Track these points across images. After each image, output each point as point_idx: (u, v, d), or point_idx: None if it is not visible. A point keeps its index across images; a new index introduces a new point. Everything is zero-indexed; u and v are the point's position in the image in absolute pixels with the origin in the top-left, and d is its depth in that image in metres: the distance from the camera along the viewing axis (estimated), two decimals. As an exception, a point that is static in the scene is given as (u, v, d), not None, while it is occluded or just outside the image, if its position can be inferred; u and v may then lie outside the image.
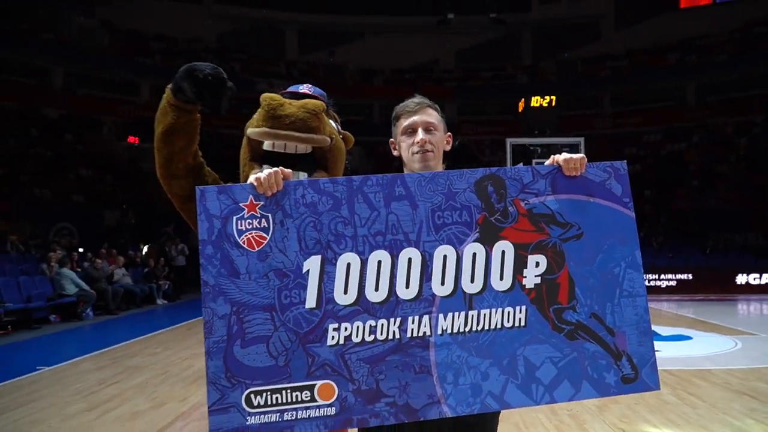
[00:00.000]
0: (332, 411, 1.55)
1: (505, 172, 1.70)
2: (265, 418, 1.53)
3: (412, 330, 1.60)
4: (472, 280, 1.63)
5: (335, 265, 1.60)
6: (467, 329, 1.62)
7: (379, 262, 1.61)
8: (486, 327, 1.62)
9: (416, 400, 1.57)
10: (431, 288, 1.62)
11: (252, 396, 1.53)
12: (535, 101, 12.99)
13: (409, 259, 1.62)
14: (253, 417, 1.53)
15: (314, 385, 1.56)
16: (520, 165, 1.73)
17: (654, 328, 6.54)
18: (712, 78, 23.95)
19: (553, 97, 12.89)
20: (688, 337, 8.07)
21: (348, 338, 1.58)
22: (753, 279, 14.47)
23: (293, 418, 1.54)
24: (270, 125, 1.77)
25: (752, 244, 18.12)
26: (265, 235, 1.59)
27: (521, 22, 26.78)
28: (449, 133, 1.95)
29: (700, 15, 24.72)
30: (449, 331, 1.61)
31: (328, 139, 1.83)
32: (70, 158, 18.93)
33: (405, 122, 1.89)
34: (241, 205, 1.60)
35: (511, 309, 1.64)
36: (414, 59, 27.15)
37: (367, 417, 1.56)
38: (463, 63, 27.66)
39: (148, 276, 13.36)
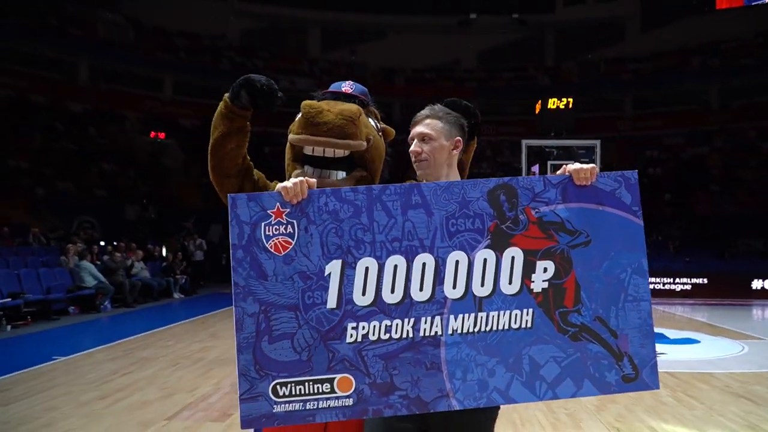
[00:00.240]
0: (350, 402, 1.69)
1: (518, 182, 1.79)
2: (289, 407, 1.69)
3: (425, 330, 1.72)
4: (483, 284, 1.74)
5: (355, 268, 1.72)
6: (476, 330, 1.73)
7: (395, 267, 1.73)
8: (494, 328, 1.74)
9: (427, 393, 1.70)
10: (443, 291, 1.73)
11: (278, 387, 1.68)
12: (552, 103, 12.96)
13: (423, 264, 1.73)
14: (279, 405, 1.68)
15: (334, 378, 1.70)
16: (533, 175, 1.82)
17: (663, 331, 6.64)
18: (737, 82, 23.56)
19: (570, 99, 12.85)
20: (696, 341, 8.05)
21: (365, 336, 1.71)
22: (768, 285, 14.29)
23: (315, 407, 1.69)
24: (309, 132, 1.90)
25: (771, 251, 17.82)
26: (290, 240, 1.73)
27: (544, 23, 26.62)
28: (458, 138, 2.02)
29: (726, 18, 24.27)
30: (459, 331, 1.72)
31: (364, 144, 1.94)
32: (93, 152, 19.36)
33: (411, 133, 2.02)
34: (269, 212, 1.73)
35: (518, 311, 1.75)
36: (435, 59, 27.14)
37: (382, 408, 1.70)
38: (484, 63, 27.57)
39: (165, 270, 13.64)
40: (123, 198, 17.96)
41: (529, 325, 1.75)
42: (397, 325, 1.71)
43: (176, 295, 13.37)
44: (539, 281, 1.76)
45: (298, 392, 1.68)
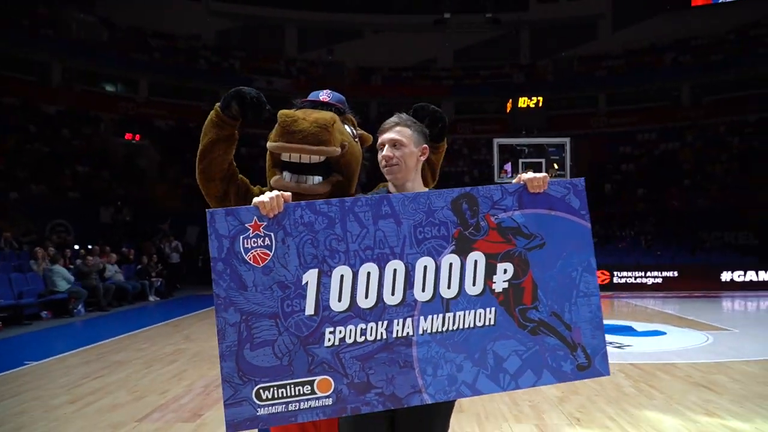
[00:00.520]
0: (329, 401, 1.80)
1: (478, 191, 1.93)
2: (272, 409, 1.78)
3: (397, 331, 1.84)
4: (449, 287, 1.87)
5: (330, 276, 1.83)
6: (444, 329, 1.86)
7: (368, 273, 1.84)
8: (461, 326, 1.87)
9: (401, 390, 1.82)
10: (413, 294, 1.85)
11: (261, 391, 1.78)
12: (523, 102, 13.18)
13: (394, 270, 1.85)
14: (262, 409, 1.77)
15: (314, 380, 1.80)
16: (490, 185, 1.95)
17: (631, 323, 6.86)
18: (708, 78, 24.07)
19: (540, 98, 13.06)
20: (663, 333, 8.27)
21: (342, 340, 1.82)
22: (738, 276, 14.64)
23: (297, 408, 1.79)
24: (285, 140, 2.01)
25: (742, 243, 18.29)
26: (268, 252, 1.81)
27: (519, 22, 26.90)
28: (424, 146, 2.14)
29: (697, 16, 24.81)
30: (429, 330, 1.85)
31: (338, 149, 2.04)
32: (66, 154, 19.13)
33: (379, 139, 2.12)
34: (246, 225, 1.81)
35: (482, 310, 1.88)
36: (412, 57, 27.27)
37: (360, 406, 1.81)
38: (461, 62, 27.77)
39: (140, 273, 13.56)
40: (97, 200, 17.77)
41: (492, 322, 1.88)
42: (371, 327, 1.83)
43: (152, 298, 13.30)
44: (500, 282, 1.90)
45: (280, 395, 1.78)
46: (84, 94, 22.33)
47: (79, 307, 10.60)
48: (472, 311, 1.87)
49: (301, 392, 1.79)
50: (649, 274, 15.08)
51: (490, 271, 1.89)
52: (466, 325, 1.87)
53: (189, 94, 24.86)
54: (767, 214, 18.20)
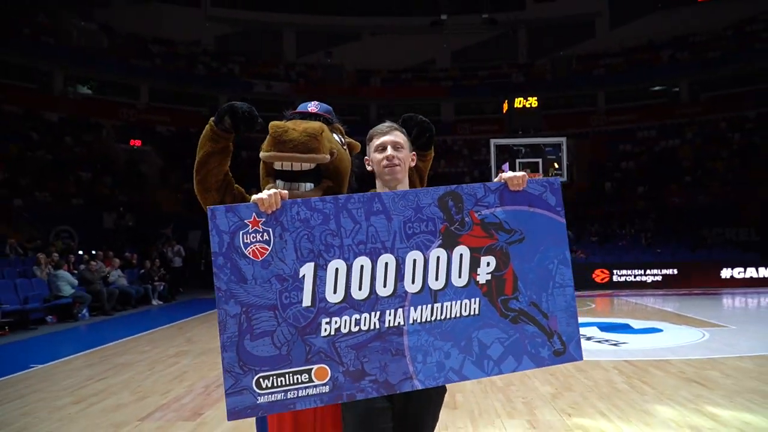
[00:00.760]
0: (326, 389, 1.90)
1: (462, 189, 2.06)
2: (272, 398, 1.87)
3: (389, 321, 1.94)
4: (437, 279, 1.99)
5: (326, 270, 1.93)
6: (433, 318, 1.97)
7: (362, 267, 1.94)
8: (448, 316, 1.99)
9: (393, 376, 1.93)
10: (404, 286, 1.97)
11: (261, 380, 1.87)
12: (519, 102, 13.29)
13: (386, 263, 1.96)
14: (262, 397, 1.87)
15: (311, 368, 1.89)
16: (474, 183, 2.08)
17: (628, 321, 6.99)
18: (706, 74, 24.13)
19: (535, 98, 13.18)
20: (659, 330, 8.34)
21: (338, 330, 1.92)
22: (738, 273, 14.68)
23: (295, 396, 1.88)
24: (277, 149, 2.13)
25: (743, 240, 18.32)
26: (267, 246, 1.91)
27: (516, 21, 27.01)
28: (413, 153, 2.31)
29: (693, 12, 24.88)
30: (419, 320, 1.96)
31: (328, 156, 2.15)
32: (69, 161, 19.30)
33: (377, 141, 2.25)
34: (246, 221, 1.92)
35: (467, 301, 2.01)
36: (410, 59, 27.41)
37: (355, 392, 1.91)
38: (459, 62, 27.90)
39: (143, 277, 13.70)
40: (100, 206, 17.93)
41: (476, 312, 2.01)
42: (365, 318, 1.93)
43: (155, 302, 13.44)
44: (484, 274, 2.03)
45: (279, 384, 1.87)
46: (86, 101, 22.51)
47: (84, 311, 10.75)
48: (458, 302, 1.99)
49: (300, 380, 1.88)
50: (649, 272, 15.13)
51: (475, 264, 2.02)
52: (453, 315, 1.99)
53: (189, 100, 25.06)
54: (768, 209, 18.26)
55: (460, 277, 2.00)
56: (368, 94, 26.80)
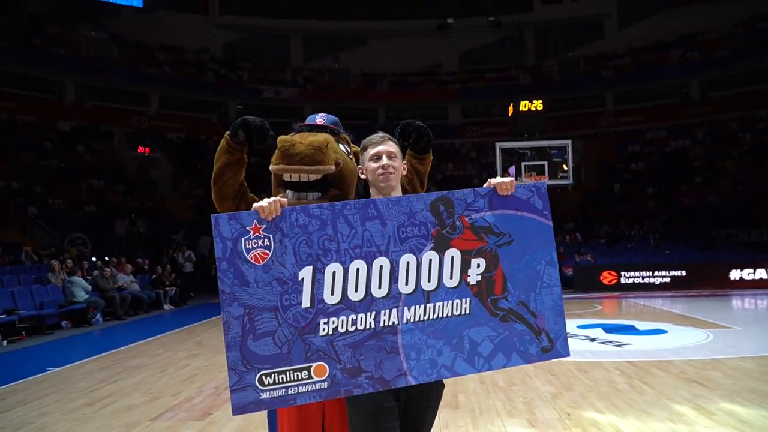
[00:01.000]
0: (325, 385, 2.03)
1: (453, 195, 2.19)
2: (274, 393, 2.01)
3: (384, 320, 2.07)
4: (429, 280, 2.12)
5: (324, 273, 2.06)
6: (426, 318, 2.10)
7: (358, 269, 2.07)
8: (440, 315, 2.11)
9: (388, 373, 2.06)
10: (398, 288, 2.09)
11: (263, 377, 2.00)
12: (524, 105, 13.41)
13: (381, 266, 2.08)
14: (265, 393, 2.00)
15: (310, 366, 2.03)
16: (464, 189, 2.20)
17: (633, 323, 7.11)
18: (716, 74, 24.05)
19: (540, 101, 13.29)
20: (664, 331, 8.41)
21: (335, 329, 2.05)
22: (747, 274, 14.62)
23: (296, 392, 2.02)
24: (285, 162, 2.30)
25: (755, 240, 18.26)
26: (267, 251, 2.05)
27: (523, 23, 27.10)
28: (405, 161, 2.47)
29: (702, 11, 24.83)
30: (412, 319, 2.09)
31: (333, 167, 2.30)
32: (81, 169, 19.68)
33: (372, 151, 2.38)
34: (247, 228, 2.06)
35: (458, 301, 2.13)
36: (417, 62, 27.60)
37: (352, 388, 2.04)
38: (466, 65, 28.04)
39: (155, 282, 13.96)
40: (112, 213, 18.25)
41: (467, 311, 2.14)
42: (361, 318, 2.06)
43: (166, 307, 13.67)
44: (474, 275, 2.16)
45: (280, 380, 2.00)
46: (97, 110, 22.91)
47: (98, 316, 11.00)
48: (450, 302, 2.12)
49: (300, 377, 2.01)
50: (657, 273, 15.11)
51: (465, 266, 2.14)
52: (445, 314, 2.11)
53: (199, 107, 25.41)
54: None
55: (451, 278, 2.13)
56: (376, 98, 27.01)
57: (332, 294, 2.05)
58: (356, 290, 2.07)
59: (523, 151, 11.84)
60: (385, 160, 2.33)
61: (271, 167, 2.35)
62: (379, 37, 27.61)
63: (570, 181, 12.66)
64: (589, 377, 5.67)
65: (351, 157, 2.47)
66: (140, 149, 23.02)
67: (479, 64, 27.63)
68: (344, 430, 2.28)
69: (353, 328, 2.05)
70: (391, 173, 2.33)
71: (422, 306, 2.10)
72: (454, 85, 27.38)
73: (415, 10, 26.65)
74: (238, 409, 2.00)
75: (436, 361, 2.09)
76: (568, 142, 11.47)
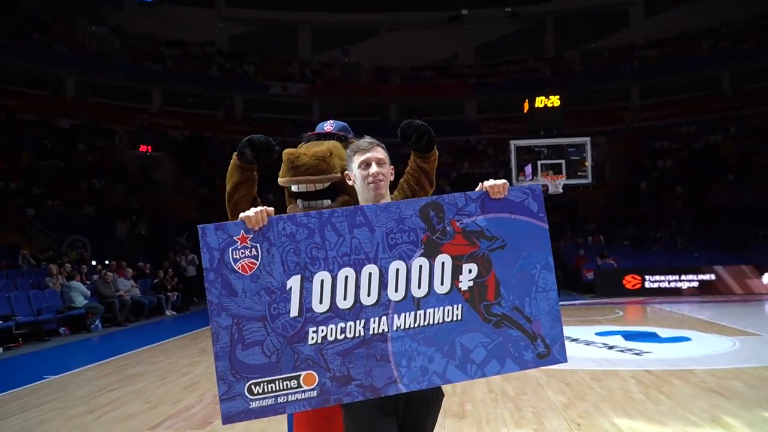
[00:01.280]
0: (314, 393, 2.12)
1: (443, 199, 2.27)
2: (263, 403, 2.10)
3: (374, 328, 2.14)
4: (419, 287, 2.18)
5: (312, 281, 2.14)
6: (416, 325, 2.17)
7: (346, 277, 2.15)
8: (431, 322, 2.18)
9: (379, 381, 2.14)
10: (387, 295, 2.17)
11: (252, 386, 2.09)
12: (540, 101, 13.44)
13: (370, 274, 2.16)
14: (254, 402, 2.10)
15: (300, 375, 2.11)
16: (455, 193, 2.26)
17: (655, 330, 7.20)
18: (748, 65, 23.81)
19: (557, 97, 13.31)
20: (688, 339, 8.41)
21: (324, 338, 2.13)
22: (782, 277, 14.50)
23: (285, 400, 2.11)
24: (291, 174, 2.50)
25: (791, 241, 18.06)
26: (255, 261, 2.14)
27: (543, 13, 27.03)
28: (392, 166, 2.56)
29: (731, 0, 24.57)
30: (402, 327, 2.16)
31: (338, 175, 2.48)
32: (82, 169, 19.98)
33: (361, 158, 2.46)
34: (234, 238, 2.17)
35: (450, 307, 2.19)
36: (431, 55, 27.64)
37: (341, 396, 2.13)
38: (483, 58, 28.02)
39: (156, 287, 14.18)
40: (113, 215, 18.50)
41: (459, 318, 2.21)
42: (350, 326, 2.14)
43: (168, 313, 13.89)
44: (466, 281, 2.23)
45: (270, 389, 2.09)
46: (98, 107, 23.19)
47: (97, 322, 11.23)
48: (441, 308, 2.18)
49: (289, 386, 2.10)
50: (684, 277, 15.02)
51: (457, 272, 2.20)
52: (436, 321, 2.18)
53: (203, 103, 25.68)
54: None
55: (442, 284, 2.19)
56: (388, 93, 27.11)
57: (321, 302, 2.13)
58: (345, 298, 2.14)
59: (539, 149, 11.88)
60: (374, 168, 2.40)
61: (280, 180, 2.53)
62: (391, 29, 27.69)
63: (589, 180, 12.65)
64: (603, 386, 5.73)
65: None
66: (142, 148, 23.31)
67: (496, 56, 27.59)
68: None
69: (342, 336, 2.13)
70: (381, 180, 2.41)
71: (412, 313, 2.16)
72: (470, 79, 27.39)
73: (428, 0, 26.71)
74: (227, 419, 2.11)
75: (427, 368, 2.16)
76: (587, 139, 11.48)
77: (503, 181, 2.31)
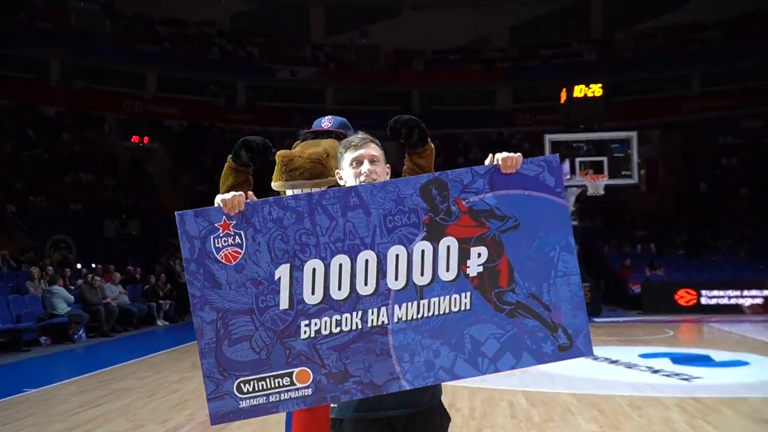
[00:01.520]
0: (309, 392, 2.17)
1: (447, 176, 2.30)
2: (254, 401, 2.16)
3: (372, 320, 2.17)
4: (422, 274, 2.19)
5: (302, 270, 2.17)
6: (419, 316, 2.18)
7: (340, 265, 2.17)
8: (436, 312, 2.19)
9: (379, 377, 2.17)
10: (386, 283, 2.18)
11: (242, 384, 2.15)
12: (579, 91, 13.43)
13: (366, 261, 2.18)
14: (244, 401, 2.16)
15: (292, 372, 2.16)
16: (460, 169, 2.27)
17: (708, 352, 7.28)
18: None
19: (599, 85, 13.30)
20: (745, 363, 8.39)
21: (318, 332, 2.16)
22: None
23: (277, 399, 2.17)
24: (285, 178, 2.62)
25: None
26: (239, 250, 2.19)
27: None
28: (388, 165, 2.62)
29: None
30: (404, 318, 2.18)
31: (334, 178, 2.55)
32: (67, 161, 20.34)
33: (352, 155, 2.53)
34: (216, 225, 2.24)
35: (457, 295, 2.20)
36: (459, 38, 27.63)
37: (338, 394, 2.17)
38: (518, 40, 27.95)
39: (147, 294, 14.40)
40: (102, 212, 18.82)
41: (467, 307, 2.23)
42: (346, 318, 2.16)
43: (160, 323, 14.12)
44: (474, 266, 2.25)
45: (260, 388, 2.15)
46: (86, 92, 23.55)
47: (81, 332, 11.48)
48: (447, 297, 2.20)
49: (281, 384, 2.15)
50: (746, 293, 14.88)
51: (464, 256, 2.21)
52: (442, 311, 2.19)
53: (203, 89, 25.94)
54: None
55: (447, 270, 2.20)
56: (409, 80, 27.17)
57: (313, 293, 2.17)
58: (339, 288, 2.18)
59: (578, 144, 11.89)
60: (367, 166, 2.46)
61: (273, 185, 2.66)
62: (415, 8, 27.72)
63: (634, 180, 12.61)
64: (641, 414, 5.77)
65: None
66: (134, 138, 23.60)
67: (533, 38, 27.47)
68: None
69: (338, 329, 2.17)
70: (374, 179, 2.47)
71: (415, 303, 2.19)
72: (503, 64, 27.34)
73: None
74: (216, 418, 2.18)
75: (433, 362, 2.18)
76: (633, 134, 11.44)
77: (518, 154, 2.28)
